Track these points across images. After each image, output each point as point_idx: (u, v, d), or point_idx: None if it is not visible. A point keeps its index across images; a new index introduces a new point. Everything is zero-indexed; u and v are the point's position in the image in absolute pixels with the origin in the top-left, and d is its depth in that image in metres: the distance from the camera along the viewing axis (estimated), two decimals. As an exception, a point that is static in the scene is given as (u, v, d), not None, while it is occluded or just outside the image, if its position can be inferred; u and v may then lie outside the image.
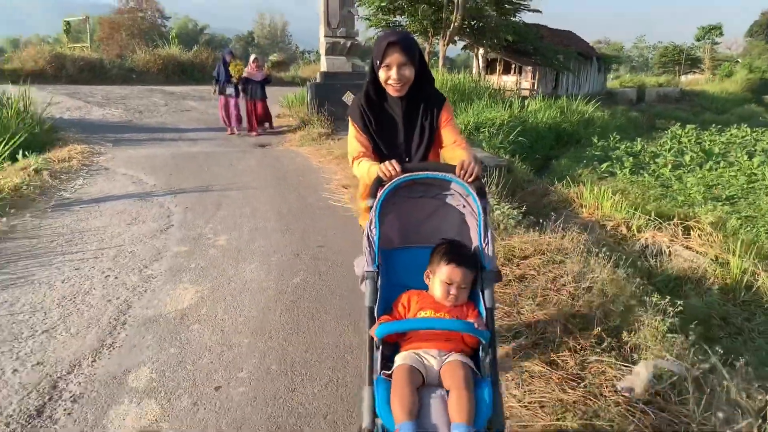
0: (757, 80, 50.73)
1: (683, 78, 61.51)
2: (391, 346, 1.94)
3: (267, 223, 5.81)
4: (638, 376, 2.56)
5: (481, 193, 2.05)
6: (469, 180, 2.03)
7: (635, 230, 6.92)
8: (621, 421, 2.34)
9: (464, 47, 30.24)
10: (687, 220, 7.26)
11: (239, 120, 12.29)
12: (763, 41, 69.66)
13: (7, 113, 9.43)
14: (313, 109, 12.85)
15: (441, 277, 1.94)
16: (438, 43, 25.37)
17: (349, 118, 2.44)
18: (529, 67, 29.51)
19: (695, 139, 19.97)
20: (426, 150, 2.42)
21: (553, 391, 2.60)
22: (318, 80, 13.42)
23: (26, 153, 8.26)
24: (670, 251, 6.16)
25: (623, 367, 2.73)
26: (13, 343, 3.28)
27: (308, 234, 5.45)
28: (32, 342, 3.30)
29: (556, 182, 10.09)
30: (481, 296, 1.94)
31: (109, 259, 4.70)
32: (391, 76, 2.26)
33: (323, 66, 13.53)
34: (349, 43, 13.23)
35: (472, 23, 25.81)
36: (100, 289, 4.09)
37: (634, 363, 2.71)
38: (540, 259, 4.13)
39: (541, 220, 5.03)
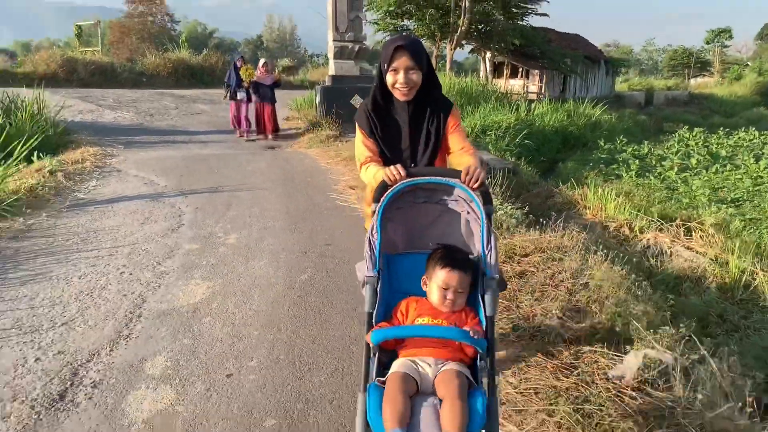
0: (767, 83, 50.51)
1: (692, 81, 61.32)
2: (389, 353, 1.92)
3: (276, 222, 5.97)
4: (628, 365, 2.70)
5: (487, 199, 2.04)
6: (474, 186, 2.02)
7: (638, 231, 7.03)
8: (610, 405, 2.47)
9: (471, 51, 30.37)
10: (689, 222, 7.36)
11: (249, 124, 12.39)
12: (773, 44, 69.30)
13: (22, 116, 9.67)
14: (321, 111, 13.04)
15: (437, 282, 1.93)
16: (445, 47, 25.52)
17: (356, 123, 2.45)
18: (537, 71, 29.62)
19: (702, 142, 19.98)
20: (432, 155, 2.41)
21: (548, 378, 2.74)
22: (326, 83, 13.60)
23: (41, 155, 8.47)
24: (671, 251, 6.27)
25: (615, 357, 2.86)
26: (35, 334, 3.45)
27: (316, 233, 5.60)
28: (52, 333, 3.47)
29: (561, 185, 10.20)
30: (481, 303, 1.93)
31: (124, 256, 4.87)
32: (399, 80, 2.26)
33: (331, 69, 13.72)
34: (357, 47, 13.41)
35: (480, 27, 25.95)
36: (116, 284, 4.25)
37: (626, 354, 2.84)
38: (540, 256, 4.27)
39: (541, 220, 5.16)
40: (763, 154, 16.71)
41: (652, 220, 7.32)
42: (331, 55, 13.71)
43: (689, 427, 2.26)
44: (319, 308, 3.85)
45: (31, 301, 3.95)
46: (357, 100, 12.19)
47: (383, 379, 1.76)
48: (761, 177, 13.66)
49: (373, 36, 27.05)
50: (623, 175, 13.70)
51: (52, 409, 2.69)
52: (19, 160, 7.52)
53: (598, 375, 2.72)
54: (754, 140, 20.11)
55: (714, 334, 4.51)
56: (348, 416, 2.62)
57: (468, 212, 2.13)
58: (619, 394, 2.56)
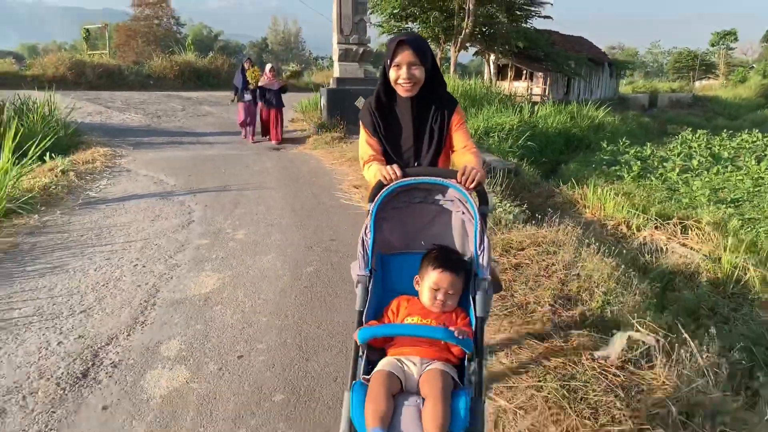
0: (771, 86, 50.51)
1: (697, 83, 61.35)
2: (379, 351, 1.93)
3: (282, 219, 6.17)
4: (613, 346, 2.88)
5: (483, 200, 2.06)
6: (471, 186, 2.02)
7: (635, 229, 7.20)
8: (594, 382, 2.65)
9: (476, 53, 30.59)
10: (686, 220, 7.53)
11: (255, 127, 12.40)
12: (779, 47, 69.23)
13: (33, 117, 9.92)
14: (326, 113, 13.24)
15: (428, 283, 1.94)
16: (449, 50, 25.72)
17: (360, 122, 2.44)
18: (540, 73, 29.78)
19: (705, 144, 20.09)
20: (436, 153, 2.38)
21: (538, 358, 2.93)
22: (331, 86, 13.80)
23: (53, 155, 8.71)
24: (666, 248, 6.43)
25: (602, 340, 3.04)
26: (55, 321, 3.65)
27: (321, 229, 5.79)
28: (72, 320, 3.67)
29: (562, 185, 10.37)
30: (472, 304, 1.93)
31: (137, 250, 5.08)
32: (401, 76, 2.24)
33: (336, 72, 13.92)
34: (361, 50, 13.60)
35: (483, 30, 26.13)
36: (130, 276, 4.46)
37: (612, 336, 3.02)
38: (535, 250, 4.46)
39: (537, 215, 5.35)
40: (765, 155, 16.80)
41: (650, 219, 7.49)
42: (335, 57, 13.91)
43: (666, 400, 2.44)
44: (324, 297, 4.05)
45: (50, 291, 4.16)
46: (361, 102, 12.38)
47: (368, 377, 1.76)
48: (762, 178, 13.77)
49: (378, 39, 27.34)
50: (625, 176, 13.85)
51: (76, 385, 2.89)
52: (33, 160, 7.75)
53: (585, 356, 2.91)
54: (757, 142, 20.18)
55: (704, 325, 4.68)
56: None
57: (463, 213, 2.12)
58: (603, 372, 2.75)
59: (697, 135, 21.78)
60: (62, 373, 2.99)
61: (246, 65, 12.00)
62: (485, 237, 1.95)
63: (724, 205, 10.62)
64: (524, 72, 30.66)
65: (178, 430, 2.53)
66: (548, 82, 30.08)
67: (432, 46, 26.05)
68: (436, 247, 2.06)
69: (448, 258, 1.98)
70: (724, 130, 23.43)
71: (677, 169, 14.76)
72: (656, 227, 7.24)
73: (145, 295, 4.06)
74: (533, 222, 5.26)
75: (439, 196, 2.16)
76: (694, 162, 15.79)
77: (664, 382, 2.58)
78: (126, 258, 4.88)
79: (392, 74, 2.28)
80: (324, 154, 10.72)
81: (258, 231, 5.71)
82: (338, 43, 13.46)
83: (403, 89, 2.30)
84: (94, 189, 7.55)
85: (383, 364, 1.79)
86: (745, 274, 5.57)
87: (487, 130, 14.84)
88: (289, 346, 3.30)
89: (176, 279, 4.38)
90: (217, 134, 13.18)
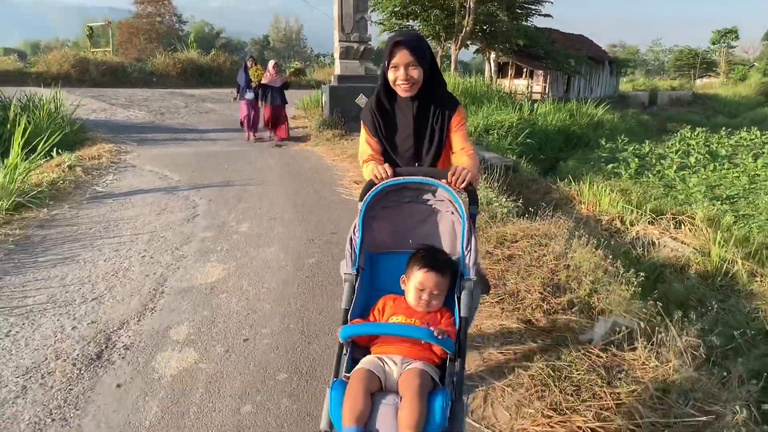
0: (771, 84, 50.56)
1: (698, 82, 61.42)
2: (363, 349, 1.93)
3: (284, 213, 6.34)
4: (597, 330, 3.06)
5: (472, 200, 2.08)
6: (461, 186, 2.03)
7: (628, 224, 7.37)
8: (578, 362, 2.83)
9: (476, 51, 30.71)
10: (680, 216, 7.70)
11: (256, 125, 12.29)
12: (780, 45, 69.24)
13: (39, 114, 10.09)
14: (327, 110, 13.40)
15: (414, 283, 1.95)
16: (450, 48, 25.87)
17: (362, 121, 2.46)
18: (541, 71, 29.93)
19: (703, 141, 20.23)
20: (437, 154, 2.39)
21: (526, 341, 3.10)
22: (333, 83, 13.96)
23: (59, 151, 8.89)
24: (658, 242, 6.60)
25: (587, 325, 3.22)
26: (69, 308, 3.83)
27: (322, 223, 5.97)
28: (85, 306, 3.85)
29: (559, 181, 10.54)
30: (456, 305, 1.93)
31: (144, 242, 5.25)
32: (399, 77, 2.25)
33: (337, 69, 14.07)
34: (362, 48, 13.75)
35: (484, 28, 26.27)
36: (138, 266, 4.63)
37: (597, 321, 3.19)
38: (528, 242, 4.63)
39: (530, 208, 5.52)
40: (762, 153, 16.95)
41: (644, 214, 7.65)
42: (336, 55, 14.06)
43: (643, 378, 2.61)
44: (325, 286, 4.22)
45: (62, 280, 4.33)
46: (362, 99, 12.55)
47: (349, 375, 1.76)
48: (758, 175, 13.93)
49: (379, 36, 27.49)
50: (622, 173, 14.00)
51: (91, 366, 3.07)
52: (41, 156, 7.92)
53: (571, 339, 3.08)
54: (755, 140, 20.32)
55: (689, 314, 4.85)
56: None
57: (452, 213, 2.12)
58: (587, 353, 2.92)
59: (695, 133, 21.94)
60: (77, 355, 3.17)
61: (249, 63, 11.98)
62: (473, 237, 1.96)
63: (719, 202, 10.78)
64: (525, 70, 30.80)
65: (189, 406, 2.71)
66: (548, 80, 30.23)
67: (433, 44, 26.27)
68: (423, 247, 2.06)
69: (434, 258, 1.98)
70: (723, 128, 23.56)
71: (674, 167, 14.91)
72: (650, 222, 7.41)
73: (154, 284, 4.24)
74: (527, 216, 5.43)
75: (429, 196, 2.16)
76: (692, 159, 15.95)
77: (644, 362, 2.76)
78: (134, 249, 5.05)
79: (390, 75, 2.29)
80: (325, 150, 10.88)
81: (261, 224, 5.88)
82: (339, 41, 13.61)
83: (401, 90, 2.30)
84: (100, 184, 7.73)
85: (364, 363, 1.80)
86: (734, 267, 5.74)
87: (486, 127, 14.99)
88: (292, 331, 3.48)
89: (183, 269, 4.55)
90: (220, 131, 13.35)
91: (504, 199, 6.04)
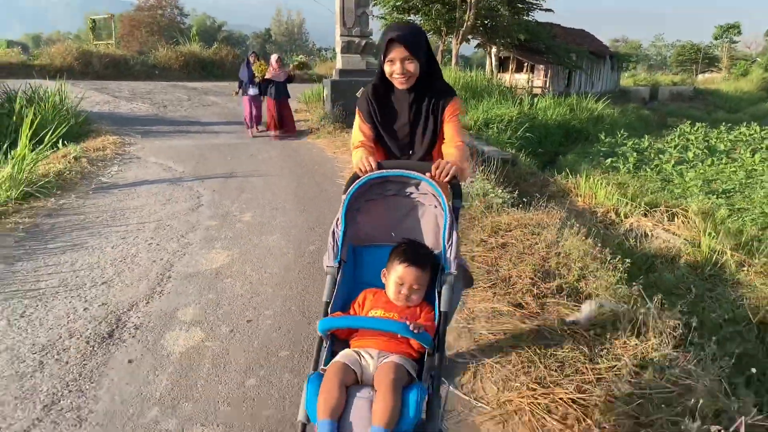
0: (773, 79, 50.52)
1: (700, 77, 61.35)
2: (344, 343, 1.94)
3: (286, 204, 6.51)
4: (584, 312, 3.23)
5: (456, 194, 2.08)
6: (445, 179, 2.03)
7: (623, 216, 7.53)
8: (563, 341, 3.00)
9: (477, 46, 30.79)
10: (674, 208, 7.86)
11: (259, 120, 12.20)
12: (782, 40, 69.11)
13: (45, 106, 10.24)
14: (329, 104, 13.54)
15: (393, 277, 1.94)
16: (451, 42, 25.94)
17: (357, 108, 2.48)
18: (542, 66, 29.96)
19: (703, 136, 20.33)
20: (431, 144, 2.39)
21: (515, 323, 3.27)
22: (334, 77, 14.09)
23: (65, 142, 9.05)
24: (651, 234, 6.76)
25: (574, 308, 3.39)
26: (79, 291, 4.00)
27: (323, 213, 6.13)
28: (95, 290, 4.02)
29: (556, 175, 10.70)
30: (436, 299, 1.92)
31: (150, 230, 5.42)
32: (395, 71, 2.25)
33: (339, 63, 14.19)
34: (363, 42, 13.87)
35: (485, 22, 26.31)
36: (146, 253, 4.81)
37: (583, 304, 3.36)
38: (522, 231, 4.80)
39: (524, 199, 5.69)
40: (761, 148, 17.06)
41: (638, 206, 7.81)
42: (338, 49, 14.18)
43: (624, 355, 2.78)
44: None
45: (72, 265, 4.51)
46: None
47: (326, 367, 1.76)
48: (755, 170, 14.06)
49: (380, 31, 27.43)
50: (620, 167, 14.14)
51: (104, 343, 3.25)
52: (47, 147, 8.09)
53: (558, 320, 3.25)
54: (754, 135, 20.42)
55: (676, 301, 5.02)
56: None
57: (435, 206, 2.10)
58: (573, 333, 3.09)
59: (695, 128, 22.04)
60: (90, 334, 3.35)
61: (251, 58, 11.89)
62: (454, 232, 1.95)
63: (714, 196, 10.93)
64: (526, 64, 30.85)
65: (197, 379, 2.89)
66: (549, 75, 30.27)
67: (434, 39, 26.37)
68: (404, 241, 2.05)
69: (414, 253, 1.97)
70: (724, 123, 23.65)
71: (672, 161, 15.04)
72: (644, 214, 7.57)
73: (161, 269, 4.41)
74: (521, 206, 5.59)
75: (412, 189, 2.14)
76: (690, 154, 16.07)
77: (625, 342, 2.92)
78: (141, 237, 5.22)
79: (387, 69, 2.29)
80: (326, 143, 11.04)
81: (263, 214, 6.05)
82: (341, 35, 13.73)
83: (398, 83, 2.31)
84: (105, 175, 7.89)
85: (340, 356, 1.80)
86: (723, 257, 5.90)
87: (486, 121, 15.12)
88: (293, 313, 3.65)
89: (189, 255, 4.73)
90: (223, 124, 13.49)
91: (500, 191, 6.20)
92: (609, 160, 14.87)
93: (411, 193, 2.15)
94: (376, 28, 25.93)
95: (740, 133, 21.07)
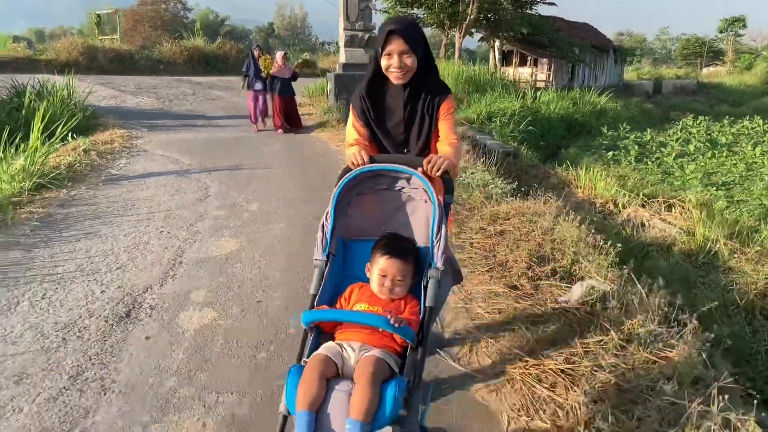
0: (778, 73, 50.34)
1: (704, 70, 61.18)
2: (329, 336, 1.95)
3: (291, 194, 6.69)
4: (574, 292, 3.41)
5: (448, 189, 2.08)
6: (436, 174, 2.02)
7: (621, 207, 7.69)
8: (555, 319, 3.19)
9: (481, 39, 30.85)
10: (671, 199, 8.02)
11: (265, 115, 12.18)
12: (787, 33, 68.77)
13: (53, 100, 10.44)
14: (333, 98, 13.71)
15: (376, 269, 1.96)
16: (455, 36, 26.05)
17: (351, 105, 2.46)
18: (545, 60, 30.05)
19: (705, 130, 20.42)
20: (426, 141, 2.37)
21: (510, 303, 3.46)
22: (338, 71, 14.25)
23: (74, 136, 9.25)
24: (648, 223, 6.93)
25: (566, 289, 3.57)
26: (96, 276, 4.20)
27: (327, 203, 6.29)
28: (110, 275, 4.22)
29: (557, 167, 10.86)
30: (422, 294, 1.93)
31: (161, 219, 5.62)
32: (392, 65, 2.22)
33: (342, 57, 14.35)
34: (367, 36, 14.02)
35: (488, 16, 26.40)
36: (157, 240, 5.00)
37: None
38: (519, 219, 4.98)
39: (522, 188, 5.87)
40: (763, 141, 17.15)
41: (636, 197, 7.98)
42: (342, 43, 14.33)
43: (612, 332, 2.96)
44: (330, 258, 4.58)
45: (87, 252, 4.70)
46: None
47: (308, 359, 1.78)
48: (756, 162, 14.17)
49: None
50: (622, 160, 14.27)
51: (122, 322, 3.45)
52: (58, 140, 8.29)
53: (550, 300, 3.43)
54: (757, 128, 20.49)
55: (674, 290, 5.19)
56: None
57: (425, 201, 2.11)
58: (564, 312, 3.28)
59: (697, 121, 22.12)
60: (108, 314, 3.55)
61: (256, 53, 11.82)
62: (443, 227, 1.95)
63: (714, 188, 11.06)
64: (529, 58, 30.93)
65: (211, 354, 3.08)
66: (553, 69, 30.36)
67: (437, 32, 26.43)
68: (387, 234, 2.07)
69: (397, 245, 1.99)
70: (726, 117, 23.71)
71: (674, 154, 15.16)
72: (642, 205, 7.73)
73: (173, 255, 4.61)
74: (519, 195, 5.77)
75: (403, 184, 2.15)
76: (691, 147, 16.18)
77: (613, 319, 3.10)
78: (152, 226, 5.42)
79: (384, 62, 2.26)
80: (330, 136, 11.20)
81: (270, 204, 6.24)
82: (344, 29, 13.88)
83: (394, 77, 2.28)
84: (114, 167, 8.08)
85: (323, 349, 1.81)
86: (717, 245, 6.07)
87: (489, 115, 15.23)
88: (300, 295, 3.84)
89: (199, 243, 4.92)
90: (228, 118, 13.68)
91: (500, 182, 6.38)
92: (611, 153, 15.00)
93: (402, 188, 2.16)
94: (380, 22, 25.99)
95: (743, 126, 21.14)
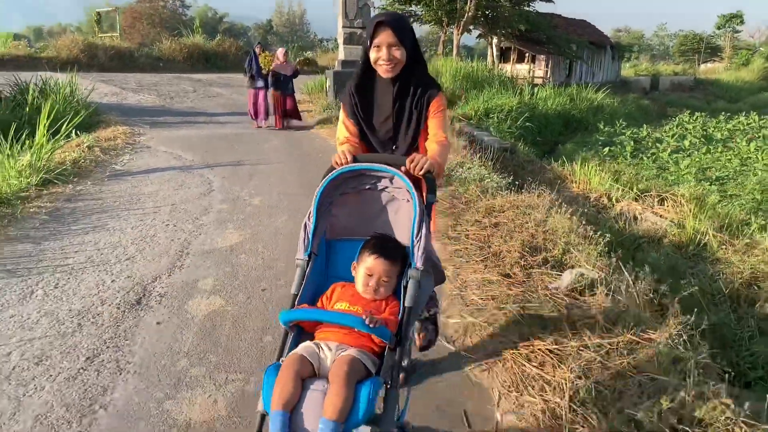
0: (774, 69, 50.50)
1: (702, 67, 61.29)
2: (309, 335, 1.94)
3: (292, 189, 6.86)
4: (564, 279, 3.58)
5: (430, 188, 2.06)
6: (420, 173, 2.01)
7: (614, 201, 7.87)
8: (545, 304, 3.36)
9: (479, 36, 30.97)
10: (664, 194, 8.20)
11: (267, 113, 12.12)
12: (785, 29, 68.89)
13: (56, 98, 10.58)
14: (332, 94, 13.85)
15: (362, 268, 1.95)
16: (453, 32, 26.16)
17: (341, 103, 2.45)
18: (543, 56, 30.15)
19: (701, 126, 20.59)
20: (414, 137, 2.37)
21: (503, 290, 3.63)
22: (337, 68, 14.40)
23: (77, 132, 9.41)
24: (641, 217, 7.10)
25: (557, 277, 3.74)
26: (106, 266, 4.37)
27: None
28: (119, 265, 4.39)
29: (553, 162, 11.04)
30: (402, 293, 1.92)
31: (166, 213, 5.79)
32: (381, 57, 2.22)
33: (341, 54, 14.51)
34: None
35: (486, 13, 26.50)
36: (164, 233, 5.17)
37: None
38: (514, 212, 5.16)
39: (516, 182, 6.04)
40: (758, 137, 17.31)
41: (630, 191, 8.15)
42: (340, 40, 14.49)
43: (598, 316, 3.13)
44: (331, 249, 4.76)
45: (96, 245, 4.87)
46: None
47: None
48: (750, 158, 14.35)
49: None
50: (618, 156, 14.44)
51: (133, 309, 3.62)
52: (63, 137, 8.45)
53: (541, 287, 3.61)
54: (752, 124, 20.66)
55: (663, 280, 5.37)
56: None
57: (408, 201, 2.08)
58: (554, 298, 3.45)
59: (694, 117, 22.28)
60: (120, 301, 3.72)
61: (257, 50, 11.83)
62: (423, 227, 1.92)
63: (708, 183, 11.24)
64: (527, 55, 31.03)
65: (219, 337, 3.26)
66: (550, 65, 30.48)
67: (435, 29, 26.51)
68: (376, 235, 2.06)
69: (385, 245, 1.99)
70: (723, 113, 23.87)
71: (669, 150, 15.33)
72: (635, 199, 7.91)
73: (179, 247, 4.78)
74: (513, 189, 5.95)
75: (387, 183, 2.12)
76: (686, 143, 16.35)
77: (600, 304, 3.28)
78: (158, 219, 5.58)
79: (372, 55, 2.26)
80: (329, 133, 11.33)
81: (272, 198, 6.41)
82: (343, 26, 14.03)
83: (383, 70, 2.27)
84: (119, 163, 8.24)
85: (299, 348, 1.80)
86: (706, 237, 6.25)
87: (486, 111, 15.37)
88: (302, 283, 4.01)
89: (204, 235, 5.09)
90: (228, 114, 13.83)
91: (495, 176, 6.55)
92: (607, 149, 15.18)
93: (386, 187, 2.14)
94: (378, 20, 26.08)
95: (738, 122, 21.30)
